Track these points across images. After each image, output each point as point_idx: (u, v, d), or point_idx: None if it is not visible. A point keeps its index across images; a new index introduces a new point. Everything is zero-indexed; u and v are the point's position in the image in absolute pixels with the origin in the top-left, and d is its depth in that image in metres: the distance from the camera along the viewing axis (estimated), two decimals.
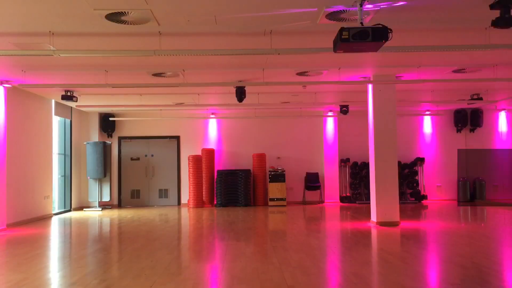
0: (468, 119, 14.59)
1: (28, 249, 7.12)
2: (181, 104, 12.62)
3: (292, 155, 14.74)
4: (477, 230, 8.75)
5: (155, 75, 9.05)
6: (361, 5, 5.11)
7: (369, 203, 9.77)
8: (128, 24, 5.90)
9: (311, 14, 5.68)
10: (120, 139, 14.80)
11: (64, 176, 13.25)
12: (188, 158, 14.05)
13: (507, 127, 14.69)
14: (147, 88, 10.61)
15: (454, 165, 14.72)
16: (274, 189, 13.80)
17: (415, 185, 14.31)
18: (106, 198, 13.98)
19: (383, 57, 7.87)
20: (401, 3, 5.30)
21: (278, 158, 14.70)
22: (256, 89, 10.51)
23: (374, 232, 8.44)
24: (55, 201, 12.79)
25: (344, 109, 12.60)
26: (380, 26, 4.99)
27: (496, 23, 4.96)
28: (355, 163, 14.52)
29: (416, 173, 14.42)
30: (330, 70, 8.94)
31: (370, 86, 9.55)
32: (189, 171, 13.98)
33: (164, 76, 9.19)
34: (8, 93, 9.78)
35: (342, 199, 14.55)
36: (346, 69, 8.93)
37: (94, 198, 13.79)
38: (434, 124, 14.92)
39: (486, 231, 8.82)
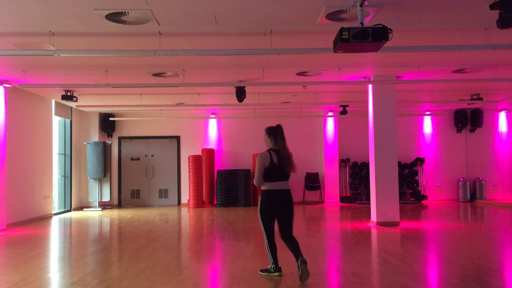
0: (468, 119, 14.57)
1: (28, 249, 7.12)
2: (181, 104, 12.62)
3: (292, 155, 14.68)
4: (477, 230, 8.75)
5: (155, 75, 9.05)
6: (361, 5, 5.11)
7: (369, 203, 9.77)
8: (128, 24, 5.90)
9: (311, 14, 5.68)
10: (120, 139, 14.79)
11: (64, 176, 13.25)
12: (188, 158, 14.05)
13: (507, 127, 14.67)
14: (147, 88, 10.61)
15: (454, 165, 14.72)
16: None
17: (415, 185, 14.30)
18: (106, 198, 13.97)
19: (383, 57, 7.86)
20: None
21: None
22: (256, 89, 10.50)
23: (374, 232, 8.43)
24: (55, 201, 12.78)
25: (344, 109, 12.60)
26: (380, 26, 4.99)
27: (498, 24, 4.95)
28: (355, 163, 14.51)
29: (416, 173, 14.41)
30: (330, 70, 8.93)
31: (370, 86, 9.55)
32: (189, 171, 13.97)
33: (164, 76, 9.19)
34: (8, 93, 9.77)
35: (342, 199, 14.54)
36: (346, 69, 8.93)
37: (94, 198, 13.79)
38: (434, 124, 14.91)
39: (486, 231, 8.82)
